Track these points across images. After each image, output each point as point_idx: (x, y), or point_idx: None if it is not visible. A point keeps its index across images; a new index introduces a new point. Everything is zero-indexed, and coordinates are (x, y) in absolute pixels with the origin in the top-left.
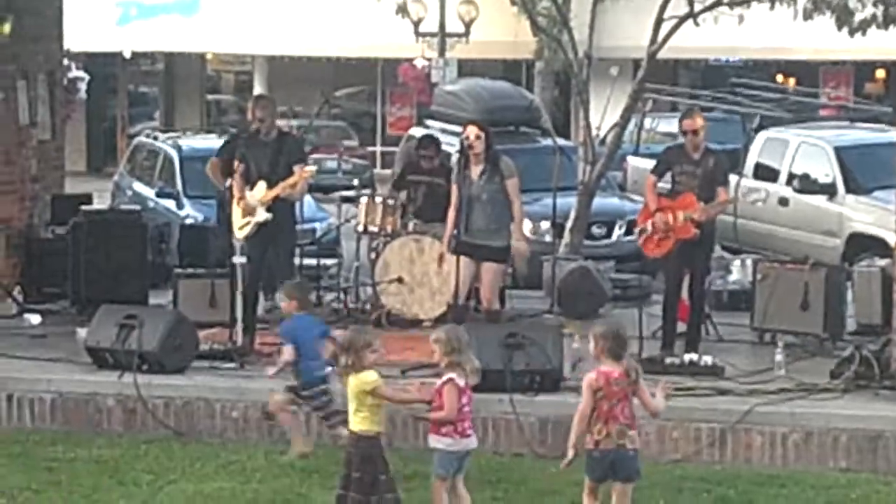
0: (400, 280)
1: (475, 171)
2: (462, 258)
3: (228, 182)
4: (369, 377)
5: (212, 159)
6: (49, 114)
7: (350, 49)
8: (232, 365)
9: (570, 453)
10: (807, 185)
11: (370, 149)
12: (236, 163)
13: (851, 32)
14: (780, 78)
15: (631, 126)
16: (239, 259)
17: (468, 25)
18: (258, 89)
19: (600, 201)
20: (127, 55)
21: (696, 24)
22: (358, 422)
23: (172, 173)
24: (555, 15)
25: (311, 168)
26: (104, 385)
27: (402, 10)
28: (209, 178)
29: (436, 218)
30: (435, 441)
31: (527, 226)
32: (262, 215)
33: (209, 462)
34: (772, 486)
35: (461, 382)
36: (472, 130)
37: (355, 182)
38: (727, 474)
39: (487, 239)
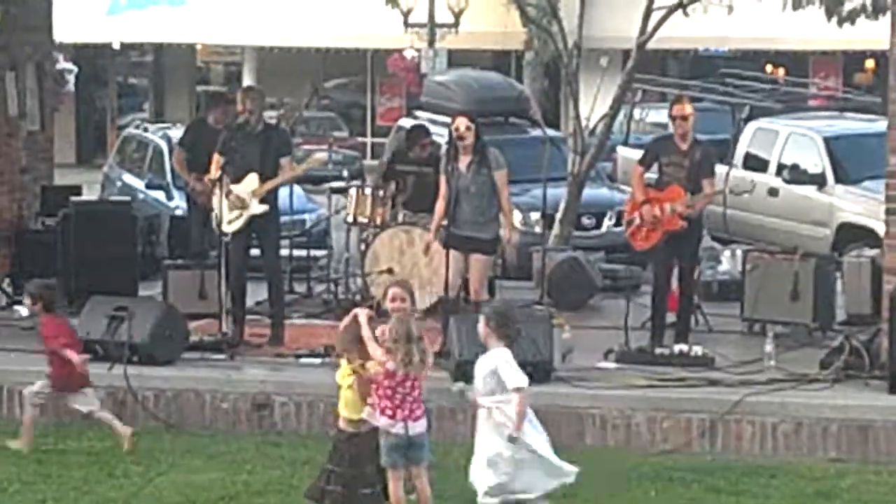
0: (390, 271)
1: (463, 162)
2: (451, 251)
3: (216, 174)
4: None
5: (175, 150)
6: (38, 105)
7: (339, 40)
8: (222, 356)
9: None
10: (796, 175)
11: (360, 139)
12: (216, 156)
13: (840, 22)
14: (769, 68)
15: (620, 116)
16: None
17: (458, 16)
18: (247, 80)
19: (590, 192)
20: (116, 46)
21: (686, 14)
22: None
23: (162, 165)
24: (544, 5)
25: (321, 156)
26: (94, 377)
27: (392, 0)
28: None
29: (425, 209)
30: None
31: (516, 216)
32: (256, 208)
33: (199, 453)
34: (762, 477)
35: (392, 368)
36: (461, 121)
37: (345, 173)
38: (718, 465)
39: (475, 231)
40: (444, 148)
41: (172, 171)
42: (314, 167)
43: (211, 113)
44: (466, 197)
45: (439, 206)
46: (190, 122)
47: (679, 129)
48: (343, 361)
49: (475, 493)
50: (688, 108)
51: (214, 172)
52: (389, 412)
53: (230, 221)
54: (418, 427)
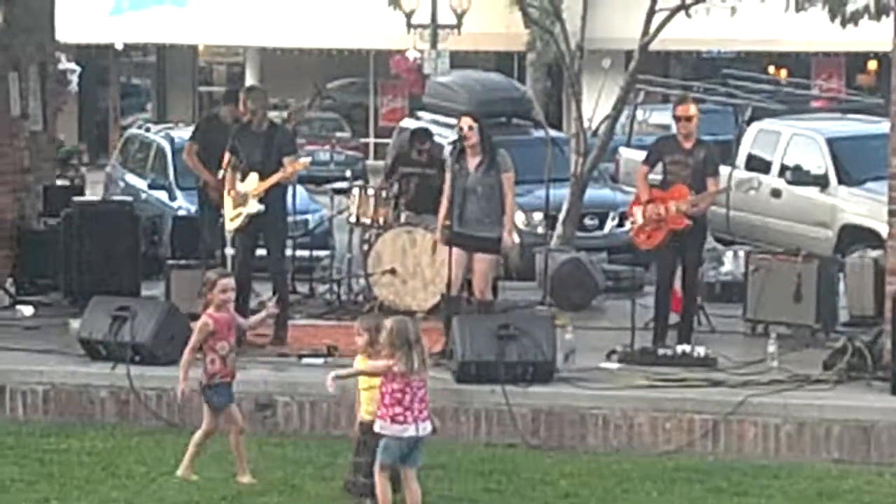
0: (392, 271)
1: (472, 162)
2: (455, 249)
3: (221, 173)
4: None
5: (186, 144)
6: (40, 105)
7: (342, 41)
8: None
9: None
10: (799, 176)
11: (363, 140)
12: (227, 154)
13: (843, 23)
14: (772, 69)
15: (623, 118)
16: (230, 251)
17: (460, 17)
18: (250, 81)
19: (592, 193)
20: (119, 47)
21: (688, 15)
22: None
23: (165, 165)
24: (547, 6)
25: (306, 160)
26: (97, 377)
27: (395, 1)
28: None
29: (428, 209)
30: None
31: (519, 217)
32: (254, 207)
33: (202, 453)
34: (764, 477)
35: (398, 371)
36: (465, 121)
37: (348, 174)
38: (720, 466)
39: (481, 230)
40: (446, 149)
41: (175, 170)
42: (299, 171)
43: (224, 108)
44: (473, 197)
45: (444, 205)
46: (202, 116)
47: (682, 130)
48: (357, 360)
49: (479, 494)
50: (692, 109)
51: (224, 171)
52: (401, 417)
53: (232, 219)
54: (427, 428)
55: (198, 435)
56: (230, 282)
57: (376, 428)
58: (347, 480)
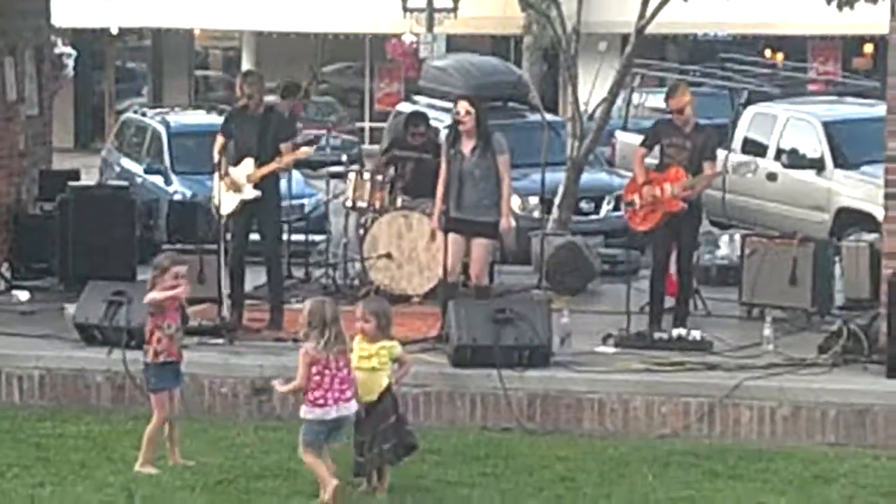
0: (388, 256)
1: (467, 146)
2: (451, 234)
3: (216, 157)
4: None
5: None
6: (37, 90)
7: (338, 25)
8: (220, 341)
9: None
10: (795, 160)
11: (358, 124)
12: (220, 138)
13: (840, 7)
14: (768, 53)
15: (619, 101)
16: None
17: (456, 0)
18: (246, 65)
19: (589, 177)
20: (114, 31)
21: None
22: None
23: (160, 149)
24: None
25: (307, 149)
26: (93, 361)
27: None
28: (197, 155)
29: (424, 193)
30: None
31: (515, 201)
32: (250, 193)
33: (198, 438)
34: (760, 461)
35: (313, 352)
36: (462, 105)
37: (343, 158)
38: (716, 449)
39: (479, 214)
40: (443, 132)
41: (171, 155)
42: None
43: (282, 102)
44: (471, 181)
45: (439, 189)
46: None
47: (678, 121)
48: (354, 345)
49: (475, 478)
50: (683, 101)
51: (215, 156)
52: (321, 401)
53: (226, 204)
54: (349, 408)
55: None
56: (183, 269)
57: (300, 413)
58: (355, 462)
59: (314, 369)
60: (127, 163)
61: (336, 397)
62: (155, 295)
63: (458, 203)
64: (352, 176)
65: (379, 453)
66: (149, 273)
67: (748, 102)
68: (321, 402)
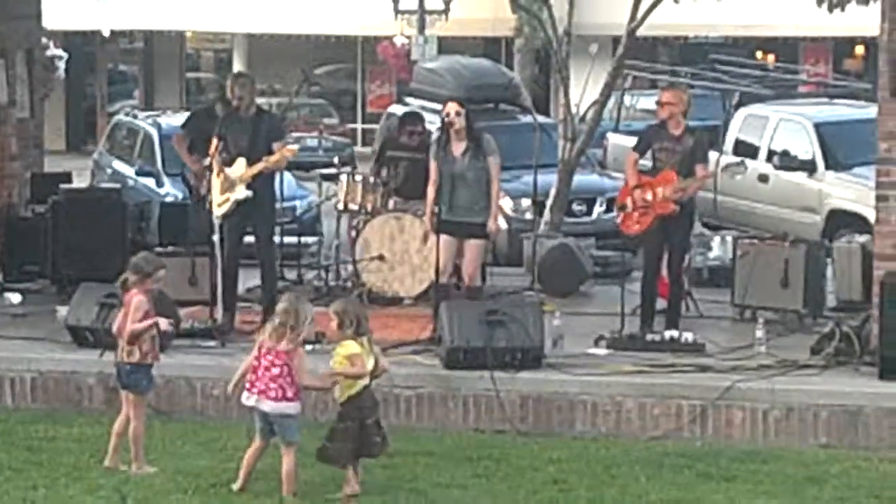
0: (381, 258)
1: (457, 148)
2: (443, 236)
3: (207, 160)
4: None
5: (176, 133)
6: (28, 92)
7: (330, 26)
8: (213, 343)
9: None
10: (787, 161)
11: (350, 126)
12: (214, 140)
13: (831, 8)
14: (759, 54)
15: (611, 103)
16: (217, 237)
17: (448, 3)
18: (237, 67)
19: (580, 178)
20: (106, 33)
21: (676, 1)
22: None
23: (152, 152)
24: None
25: (294, 147)
26: (85, 364)
27: None
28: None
29: (416, 195)
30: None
31: (507, 203)
32: (241, 193)
33: (190, 440)
34: (753, 463)
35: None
36: (451, 107)
37: (335, 160)
38: (708, 451)
39: (471, 216)
40: (435, 134)
41: (163, 157)
42: (288, 157)
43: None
44: (463, 183)
45: (430, 192)
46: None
47: (661, 114)
48: (337, 349)
49: (467, 480)
50: (670, 95)
51: (210, 158)
52: (248, 385)
53: (220, 205)
54: (268, 406)
55: (132, 428)
56: (163, 273)
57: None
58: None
59: (254, 354)
60: (118, 165)
61: (259, 389)
62: (137, 327)
63: (451, 205)
64: (344, 178)
65: (336, 449)
66: (128, 275)
67: (740, 104)
68: (248, 386)
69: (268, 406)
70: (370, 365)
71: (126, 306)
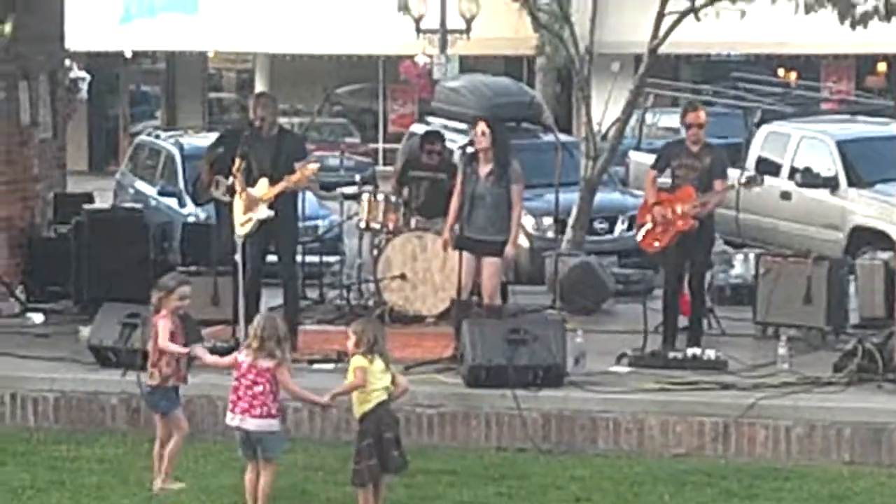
0: (402, 277)
1: (483, 169)
2: (465, 255)
3: (230, 180)
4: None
5: (202, 161)
6: (51, 113)
7: (351, 46)
8: None
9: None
10: (809, 178)
11: (372, 146)
12: (237, 160)
13: (853, 25)
14: (781, 72)
15: (632, 121)
16: (239, 256)
17: (469, 22)
18: (259, 87)
19: (602, 196)
20: (128, 54)
21: (698, 18)
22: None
23: (174, 172)
24: (556, 10)
25: (314, 165)
26: (107, 384)
27: (404, 7)
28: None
29: (438, 214)
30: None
31: (529, 221)
32: (263, 212)
33: (212, 459)
34: (775, 480)
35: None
36: (480, 126)
37: (357, 179)
38: (731, 468)
39: (487, 234)
40: (456, 153)
41: (185, 177)
42: (309, 177)
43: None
44: (481, 204)
45: (453, 206)
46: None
47: (692, 137)
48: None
49: (490, 499)
50: (702, 116)
51: (233, 177)
52: (231, 405)
53: (242, 224)
54: (253, 424)
55: (171, 443)
56: (188, 289)
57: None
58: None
59: (235, 374)
60: (141, 185)
61: (242, 409)
62: (173, 349)
63: (469, 223)
64: (365, 197)
65: (363, 469)
66: (153, 294)
67: (762, 121)
68: (231, 406)
69: (252, 424)
70: (385, 382)
71: (153, 327)
